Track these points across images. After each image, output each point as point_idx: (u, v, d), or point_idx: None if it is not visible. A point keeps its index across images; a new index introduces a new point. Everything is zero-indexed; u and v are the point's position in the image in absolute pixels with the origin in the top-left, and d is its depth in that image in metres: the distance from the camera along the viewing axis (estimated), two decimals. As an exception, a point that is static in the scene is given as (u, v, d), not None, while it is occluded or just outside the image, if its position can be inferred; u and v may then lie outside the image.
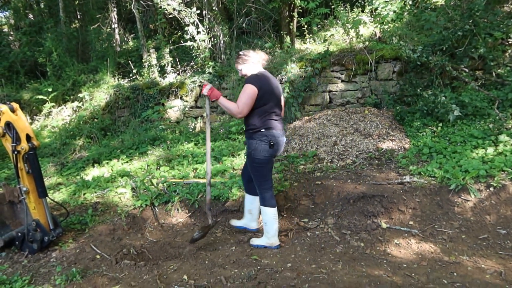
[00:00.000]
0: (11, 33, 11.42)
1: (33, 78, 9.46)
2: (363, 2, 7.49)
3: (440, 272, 2.66)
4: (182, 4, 7.22)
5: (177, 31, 9.34)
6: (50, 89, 8.10)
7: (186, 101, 7.26)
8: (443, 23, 5.44)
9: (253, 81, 2.99)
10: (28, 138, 3.11)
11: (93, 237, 3.58)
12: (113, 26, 9.87)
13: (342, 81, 6.17)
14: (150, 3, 8.10)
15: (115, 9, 9.93)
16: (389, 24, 6.19)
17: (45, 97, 7.95)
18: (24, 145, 3.08)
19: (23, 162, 3.13)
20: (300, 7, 7.33)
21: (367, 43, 6.33)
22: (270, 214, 3.20)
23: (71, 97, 8.20)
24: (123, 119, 7.57)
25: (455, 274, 2.63)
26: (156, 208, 4.13)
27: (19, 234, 3.30)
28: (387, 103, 5.73)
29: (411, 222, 3.43)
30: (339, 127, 5.30)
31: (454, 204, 3.47)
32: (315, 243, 3.30)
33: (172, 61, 7.80)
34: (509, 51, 5.24)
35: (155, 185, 4.41)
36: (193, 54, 7.50)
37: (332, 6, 7.07)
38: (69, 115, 7.89)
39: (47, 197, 3.31)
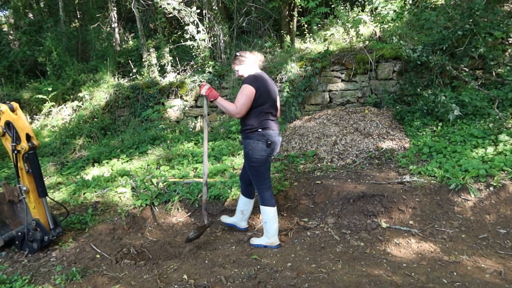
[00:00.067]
0: (11, 32, 11.43)
1: (33, 77, 9.46)
2: (363, 2, 7.48)
3: (440, 271, 2.66)
4: (182, 4, 7.21)
5: (177, 30, 9.34)
6: (50, 89, 8.10)
7: (186, 101, 7.26)
8: (443, 23, 5.43)
9: (251, 81, 3.02)
10: (28, 137, 3.11)
11: (93, 236, 3.58)
12: (113, 26, 9.87)
13: (342, 80, 6.16)
14: (150, 2, 8.09)
15: (115, 8, 9.92)
16: (389, 24, 6.18)
17: (45, 97, 7.95)
18: (24, 145, 3.08)
19: (23, 161, 3.13)
20: (300, 7, 7.33)
21: (367, 42, 6.33)
22: (270, 214, 3.21)
23: (71, 97, 8.20)
24: (123, 119, 7.57)
25: (455, 273, 2.63)
26: (156, 207, 4.14)
27: (19, 233, 3.30)
28: (387, 103, 5.73)
29: (411, 222, 3.43)
30: (339, 126, 5.30)
31: (454, 204, 3.47)
32: (315, 243, 3.30)
33: (172, 61, 7.80)
34: (509, 50, 5.23)
35: (155, 184, 4.41)
36: (193, 54, 7.50)
37: (332, 6, 7.06)
38: (69, 115, 7.89)
39: (47, 197, 3.31)
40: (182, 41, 8.03)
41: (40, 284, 2.80)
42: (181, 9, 7.17)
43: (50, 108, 8.05)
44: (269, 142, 3.08)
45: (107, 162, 5.65)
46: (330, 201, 3.82)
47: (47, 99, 7.96)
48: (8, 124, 3.09)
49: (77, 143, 6.88)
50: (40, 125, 7.90)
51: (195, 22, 7.31)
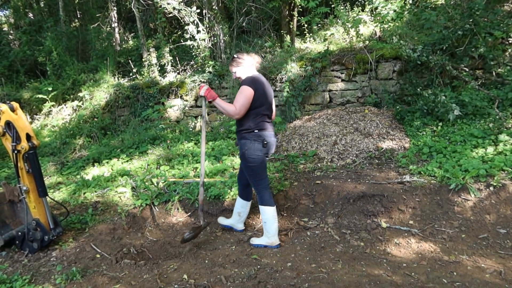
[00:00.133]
0: (11, 32, 11.42)
1: (33, 77, 9.46)
2: (363, 1, 7.48)
3: (440, 271, 2.66)
4: (182, 3, 7.21)
5: (177, 30, 9.34)
6: (50, 88, 8.10)
7: (186, 100, 7.26)
8: (443, 22, 5.43)
9: (249, 83, 3.06)
10: (28, 137, 3.11)
11: (93, 236, 3.58)
12: (113, 25, 9.87)
13: (342, 80, 6.16)
14: (150, 2, 8.09)
15: (115, 8, 9.92)
16: (389, 23, 6.18)
17: (45, 96, 7.95)
18: (24, 144, 3.08)
19: (23, 161, 3.13)
20: (300, 6, 7.33)
21: (367, 42, 6.33)
22: (269, 213, 3.21)
23: (71, 96, 8.20)
24: (123, 118, 7.57)
25: (454, 273, 2.63)
26: (156, 207, 4.14)
27: (19, 233, 3.30)
28: (387, 103, 5.73)
29: (411, 222, 3.43)
30: (339, 126, 5.30)
31: (454, 204, 3.47)
32: (315, 243, 3.30)
33: (172, 60, 7.80)
34: (509, 50, 5.23)
35: (155, 184, 4.42)
36: (193, 53, 7.50)
37: (332, 5, 7.06)
38: (69, 114, 7.89)
39: (47, 196, 3.31)
40: (182, 41, 8.03)
41: (40, 283, 2.81)
42: (181, 9, 7.17)
43: (50, 108, 8.05)
44: (265, 142, 3.12)
45: (107, 162, 5.66)
46: (330, 201, 3.82)
47: (47, 99, 7.96)
48: (8, 124, 3.09)
49: (77, 143, 6.88)
50: (40, 125, 7.90)
51: (195, 22, 7.31)
